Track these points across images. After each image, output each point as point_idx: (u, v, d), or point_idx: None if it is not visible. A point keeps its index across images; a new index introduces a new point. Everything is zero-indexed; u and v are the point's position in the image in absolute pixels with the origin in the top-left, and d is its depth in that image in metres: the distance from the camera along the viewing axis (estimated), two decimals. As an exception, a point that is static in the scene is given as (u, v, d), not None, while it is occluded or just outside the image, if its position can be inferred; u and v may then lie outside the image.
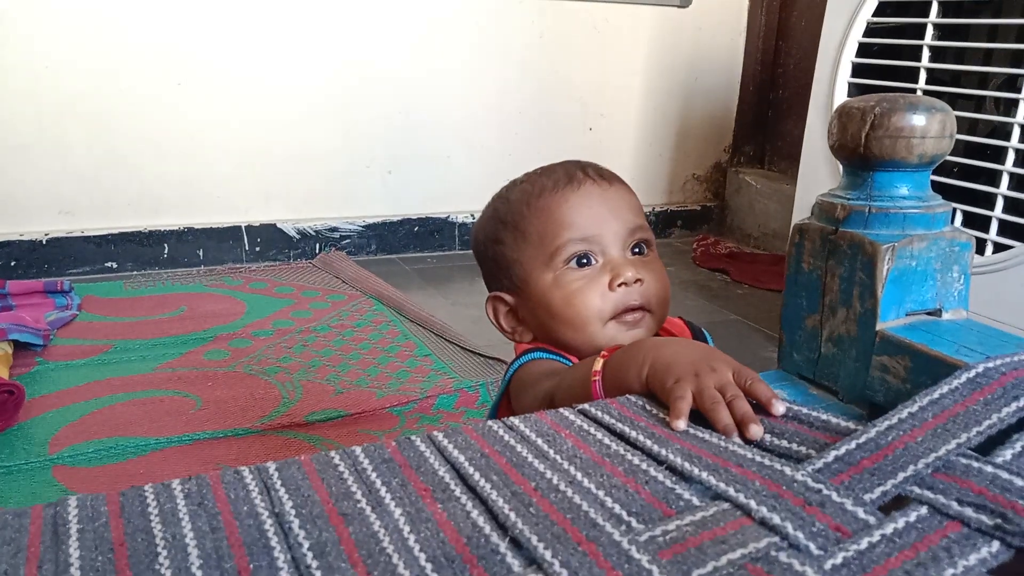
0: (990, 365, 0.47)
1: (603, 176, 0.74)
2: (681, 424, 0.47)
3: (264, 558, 0.34)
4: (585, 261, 0.71)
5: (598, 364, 0.58)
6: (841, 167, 0.58)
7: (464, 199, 2.20)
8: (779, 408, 0.48)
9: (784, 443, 0.44)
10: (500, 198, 0.78)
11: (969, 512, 0.36)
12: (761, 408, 0.48)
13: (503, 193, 0.78)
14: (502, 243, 0.75)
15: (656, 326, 0.73)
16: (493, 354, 1.43)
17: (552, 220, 0.71)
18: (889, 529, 0.35)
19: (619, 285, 0.70)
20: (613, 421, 0.47)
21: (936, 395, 0.45)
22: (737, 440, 0.45)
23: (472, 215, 2.19)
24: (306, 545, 0.35)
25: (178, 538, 0.35)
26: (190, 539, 0.35)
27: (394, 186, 2.14)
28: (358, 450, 0.43)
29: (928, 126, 0.52)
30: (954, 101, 1.32)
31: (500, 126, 2.20)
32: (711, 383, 0.49)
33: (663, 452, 0.43)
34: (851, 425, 0.45)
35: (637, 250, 0.74)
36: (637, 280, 0.70)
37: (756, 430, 0.46)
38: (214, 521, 0.37)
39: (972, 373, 0.47)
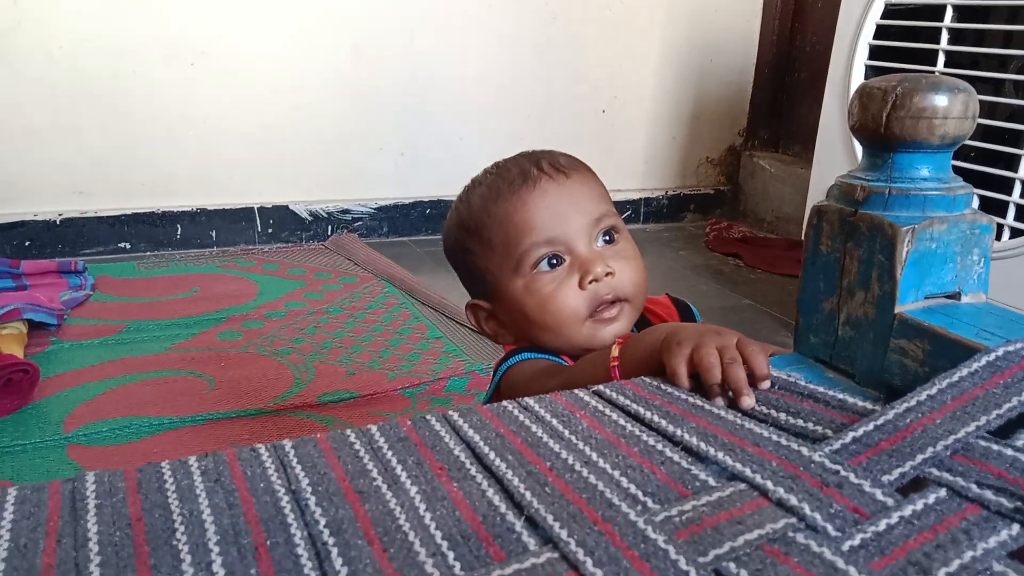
0: (1010, 348, 0.47)
1: (559, 168, 0.71)
2: (683, 381, 0.49)
3: (281, 534, 0.34)
4: (555, 262, 0.69)
5: (615, 351, 0.58)
6: (860, 149, 0.57)
7: (476, 182, 2.19)
8: (763, 385, 0.49)
9: (800, 422, 0.44)
10: (462, 201, 0.76)
11: (988, 495, 0.36)
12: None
13: (464, 196, 0.76)
14: (471, 252, 0.74)
15: (636, 312, 0.72)
16: (505, 337, 1.43)
17: (512, 226, 0.69)
18: (907, 511, 0.35)
19: (590, 282, 0.68)
20: (628, 402, 0.47)
21: (955, 378, 0.45)
22: (753, 418, 0.45)
23: (484, 198, 2.18)
24: (323, 522, 0.35)
25: (195, 514, 0.35)
26: (207, 515, 0.35)
27: (406, 168, 2.13)
28: (374, 428, 0.43)
29: (951, 106, 0.51)
30: (973, 84, 1.30)
31: (512, 108, 2.19)
32: (712, 343, 0.50)
33: (678, 432, 0.43)
34: (869, 405, 0.44)
35: (607, 238, 0.71)
36: (608, 274, 0.69)
37: (747, 401, 0.47)
38: (231, 497, 0.37)
39: (992, 356, 0.46)
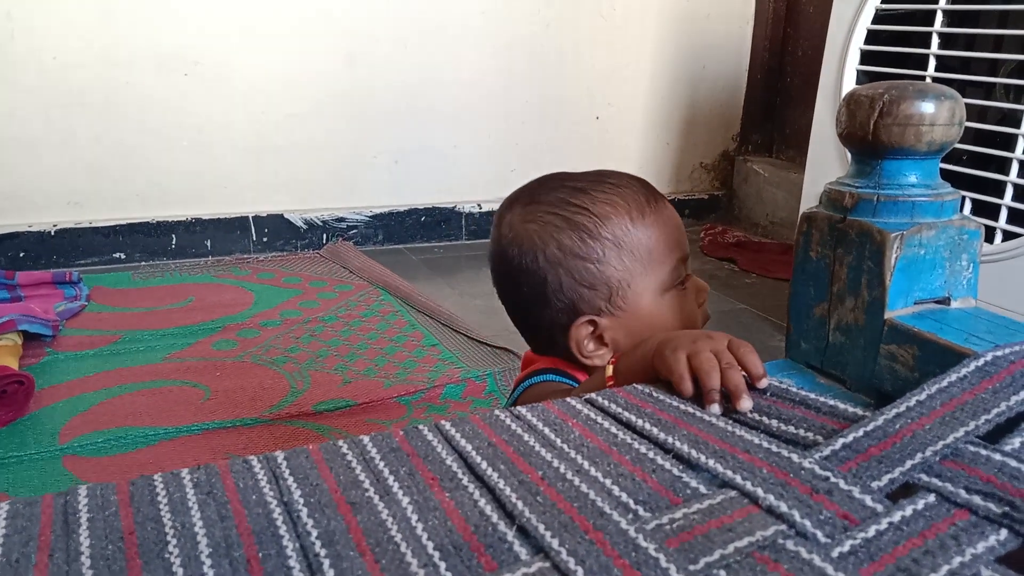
0: (999, 353, 0.47)
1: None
2: (687, 386, 0.49)
3: (273, 547, 0.34)
4: (684, 280, 0.73)
5: (609, 370, 0.58)
6: (850, 155, 0.57)
7: (471, 189, 2.20)
8: (761, 384, 0.49)
9: (791, 428, 0.44)
10: (572, 208, 0.70)
11: (977, 500, 0.36)
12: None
13: (572, 201, 0.70)
14: (595, 260, 0.69)
15: None
16: (500, 344, 1.43)
17: (664, 237, 0.70)
18: (897, 517, 0.35)
19: (701, 303, 0.73)
20: (620, 410, 0.47)
21: (944, 383, 0.45)
22: (744, 425, 0.45)
23: (479, 204, 2.19)
24: (315, 534, 0.35)
25: (187, 527, 0.36)
26: (199, 528, 0.35)
27: (401, 176, 2.14)
28: (366, 439, 0.43)
29: (937, 113, 0.52)
30: (964, 88, 1.31)
31: (507, 115, 2.20)
32: (706, 348, 0.50)
33: (669, 440, 0.43)
34: (859, 411, 0.45)
35: None
36: None
37: (746, 403, 0.47)
38: (223, 510, 0.37)
39: (981, 361, 0.46)
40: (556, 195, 0.71)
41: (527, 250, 0.70)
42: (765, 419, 0.46)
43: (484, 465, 0.41)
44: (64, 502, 0.37)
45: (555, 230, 0.69)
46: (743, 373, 0.49)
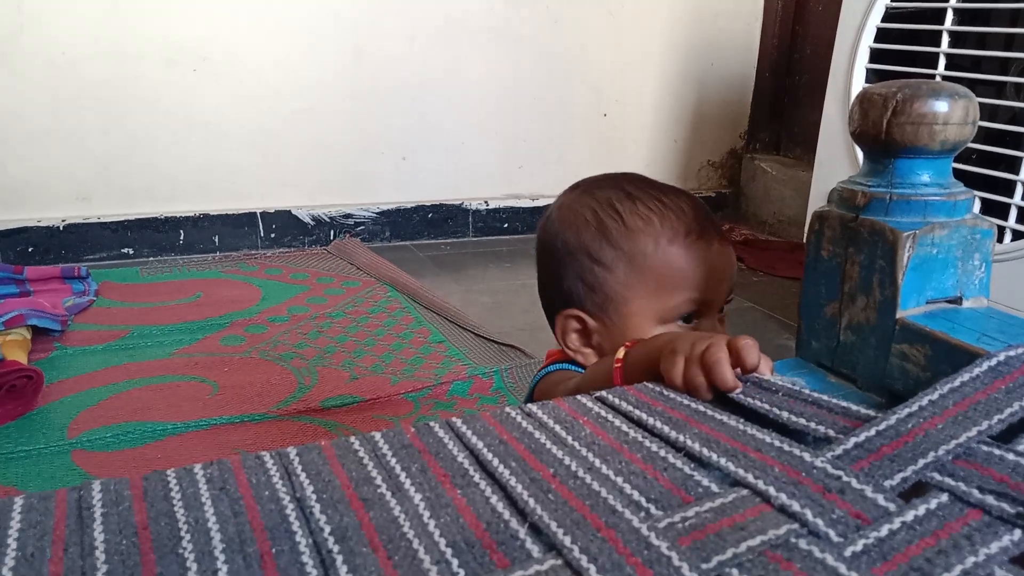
0: (1012, 353, 0.47)
1: (723, 233, 0.72)
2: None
3: (286, 542, 0.34)
4: (690, 318, 0.70)
5: (620, 352, 0.58)
6: (861, 154, 0.57)
7: (478, 185, 2.20)
8: (752, 375, 0.49)
9: (803, 421, 0.44)
10: (609, 211, 0.71)
11: (991, 500, 0.36)
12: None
13: (614, 204, 0.71)
14: (604, 266, 0.69)
15: None
16: (507, 341, 1.43)
17: (678, 273, 0.68)
18: (909, 516, 0.35)
19: None
20: (631, 408, 0.47)
21: (957, 383, 0.45)
22: (755, 424, 0.45)
23: (486, 201, 2.19)
24: (327, 529, 0.35)
25: (201, 522, 0.36)
26: (213, 523, 0.36)
27: (408, 172, 2.14)
28: (378, 436, 0.44)
29: (951, 112, 0.52)
30: (974, 87, 1.31)
31: (514, 112, 2.19)
32: (698, 351, 0.49)
33: (681, 438, 0.43)
34: (871, 412, 0.44)
35: (720, 307, 0.73)
36: None
37: (735, 389, 0.47)
38: (236, 505, 0.37)
39: (993, 361, 0.46)
40: (608, 193, 0.72)
41: (556, 232, 0.73)
42: (775, 410, 0.46)
43: (496, 462, 0.41)
44: (78, 497, 0.38)
45: (583, 224, 0.71)
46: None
